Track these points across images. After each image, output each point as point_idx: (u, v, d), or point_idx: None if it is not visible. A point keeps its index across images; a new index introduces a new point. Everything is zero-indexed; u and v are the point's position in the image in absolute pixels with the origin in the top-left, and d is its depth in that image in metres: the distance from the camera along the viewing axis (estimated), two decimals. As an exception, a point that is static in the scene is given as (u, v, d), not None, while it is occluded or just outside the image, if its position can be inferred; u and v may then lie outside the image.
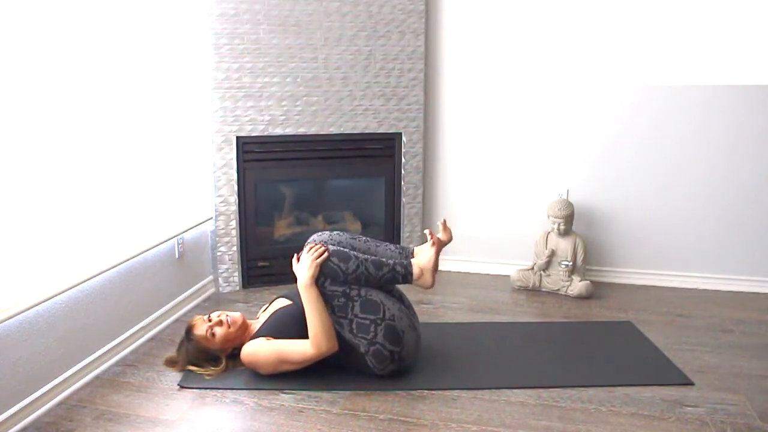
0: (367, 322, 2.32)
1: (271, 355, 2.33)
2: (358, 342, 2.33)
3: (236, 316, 2.47)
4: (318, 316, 2.28)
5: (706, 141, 3.35)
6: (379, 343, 2.32)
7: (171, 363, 2.49)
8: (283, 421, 2.13)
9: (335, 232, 2.53)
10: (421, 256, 2.45)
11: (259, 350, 2.34)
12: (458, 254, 3.76)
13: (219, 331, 2.42)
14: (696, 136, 3.36)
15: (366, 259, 2.36)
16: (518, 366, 2.52)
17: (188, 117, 3.18)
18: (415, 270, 2.41)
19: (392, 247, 2.54)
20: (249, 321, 2.55)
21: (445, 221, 2.60)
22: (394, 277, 2.39)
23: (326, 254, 2.31)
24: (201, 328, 2.43)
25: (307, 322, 2.30)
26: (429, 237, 2.45)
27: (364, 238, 2.55)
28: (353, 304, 2.33)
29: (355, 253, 2.38)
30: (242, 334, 2.47)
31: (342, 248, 2.38)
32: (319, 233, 2.53)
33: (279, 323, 2.40)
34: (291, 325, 2.38)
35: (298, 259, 2.37)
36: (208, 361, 2.43)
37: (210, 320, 2.44)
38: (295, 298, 2.53)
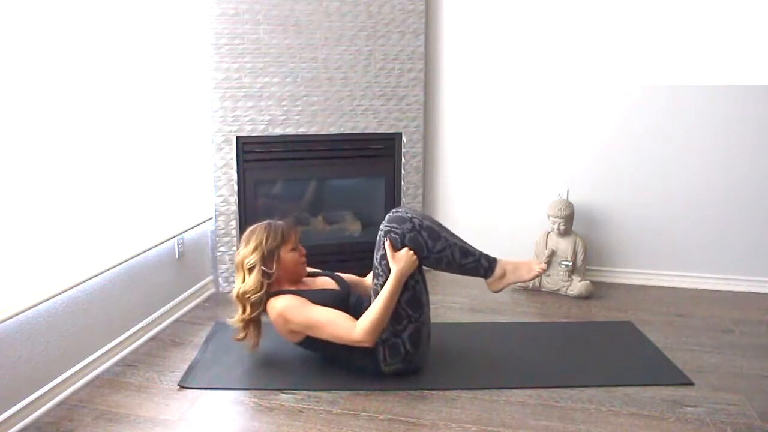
0: (404, 314, 2.30)
1: (313, 319, 2.28)
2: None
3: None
4: (388, 309, 2.25)
5: (706, 141, 3.35)
6: (402, 338, 2.31)
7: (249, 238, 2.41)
8: (283, 421, 2.13)
9: (424, 213, 2.47)
10: (519, 267, 2.42)
11: (304, 307, 2.30)
12: (458, 254, 3.75)
13: (297, 254, 2.42)
14: (696, 136, 3.36)
15: (455, 244, 2.35)
16: (518, 366, 2.52)
17: (188, 117, 3.18)
18: (499, 271, 2.39)
19: (478, 249, 2.45)
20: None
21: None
22: (476, 268, 2.38)
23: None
24: (297, 236, 2.45)
25: (373, 308, 2.25)
26: (545, 259, 2.42)
27: (449, 230, 2.45)
28: (403, 292, 2.29)
29: (445, 234, 2.36)
30: (292, 278, 2.44)
31: (434, 227, 2.36)
32: (409, 208, 2.43)
33: (325, 303, 2.34)
34: (336, 308, 2.34)
35: (391, 246, 2.29)
36: (267, 255, 2.36)
37: (300, 247, 2.46)
38: (342, 284, 2.52)
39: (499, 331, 2.88)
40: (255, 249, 2.36)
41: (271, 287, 2.39)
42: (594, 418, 2.14)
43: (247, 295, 2.35)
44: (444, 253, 2.33)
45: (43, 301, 2.16)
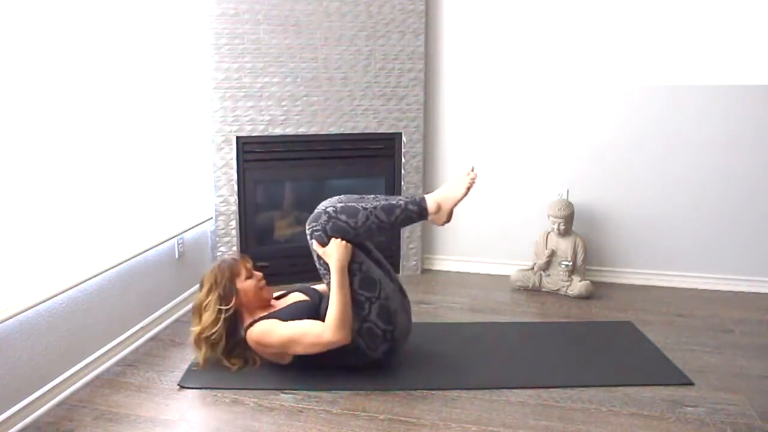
0: (362, 298, 2.31)
1: (285, 337, 2.30)
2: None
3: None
4: (344, 302, 2.26)
5: (706, 141, 3.35)
6: (372, 321, 2.32)
7: (204, 283, 2.44)
8: (283, 421, 2.13)
9: (342, 195, 2.46)
10: (447, 189, 2.38)
11: (274, 329, 2.32)
12: (458, 254, 3.75)
13: (254, 281, 2.43)
14: (696, 136, 3.36)
15: (375, 207, 2.33)
16: (518, 366, 2.52)
17: (188, 117, 3.18)
18: (432, 205, 2.36)
19: (402, 198, 2.43)
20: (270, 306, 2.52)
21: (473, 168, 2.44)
22: (409, 216, 2.35)
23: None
24: (248, 264, 2.47)
25: (331, 306, 2.27)
26: (471, 170, 2.38)
27: (372, 196, 2.45)
28: (352, 278, 2.30)
29: (363, 204, 2.34)
30: (259, 304, 2.45)
31: (351, 204, 2.35)
32: (329, 199, 2.45)
33: (297, 316, 2.36)
34: (309, 318, 2.35)
35: (320, 245, 2.32)
36: (224, 292, 2.37)
37: (255, 273, 2.47)
38: (312, 294, 2.52)
39: (499, 331, 2.88)
40: (210, 290, 2.39)
41: (244, 320, 2.43)
42: (594, 418, 2.14)
43: (204, 334, 2.36)
44: (369, 222, 2.31)
45: (43, 301, 2.16)
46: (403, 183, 3.60)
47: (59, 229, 2.30)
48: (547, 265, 3.38)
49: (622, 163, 3.46)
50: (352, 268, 2.30)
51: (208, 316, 2.36)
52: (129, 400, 2.26)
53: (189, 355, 2.61)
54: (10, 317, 2.01)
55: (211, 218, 3.34)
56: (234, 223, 3.36)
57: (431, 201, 2.37)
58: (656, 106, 3.37)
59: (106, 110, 2.55)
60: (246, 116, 3.28)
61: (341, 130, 3.44)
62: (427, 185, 3.72)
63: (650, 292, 3.42)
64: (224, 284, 2.39)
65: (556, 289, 3.36)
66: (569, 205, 3.36)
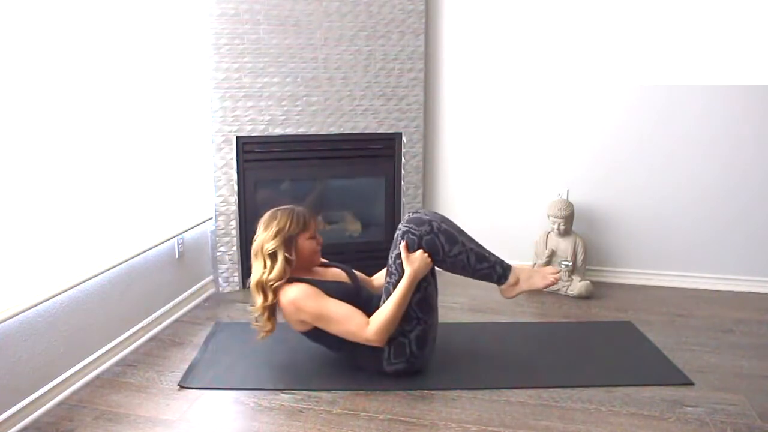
0: (413, 315, 2.31)
1: (327, 312, 2.26)
2: None
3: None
4: (400, 310, 2.26)
5: (705, 141, 3.35)
6: (408, 338, 2.32)
7: (269, 222, 2.35)
8: (283, 421, 2.13)
9: (443, 215, 2.46)
10: (531, 274, 2.44)
11: (318, 297, 2.27)
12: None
13: (314, 242, 2.39)
14: (696, 135, 3.36)
15: (471, 249, 2.36)
16: (518, 366, 2.52)
17: (188, 117, 3.18)
18: (512, 278, 2.40)
19: (494, 254, 2.44)
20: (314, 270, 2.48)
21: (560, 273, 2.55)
22: (490, 274, 2.39)
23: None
24: (316, 225, 2.43)
25: (386, 307, 2.26)
26: (558, 272, 2.47)
27: (468, 235, 2.45)
28: (414, 293, 2.30)
29: (462, 239, 2.37)
30: (305, 266, 2.40)
31: (452, 231, 2.36)
32: (430, 211, 2.41)
33: (338, 296, 2.32)
34: (347, 302, 2.33)
35: (407, 248, 2.29)
36: (288, 241, 2.31)
37: (318, 236, 2.44)
38: (354, 278, 2.50)
39: (499, 331, 2.88)
40: (276, 234, 2.31)
41: None
42: (594, 418, 2.14)
43: (271, 283, 2.29)
44: (459, 257, 2.34)
45: (43, 301, 2.16)
46: (403, 183, 3.60)
47: (59, 229, 2.30)
48: (547, 265, 3.38)
49: (623, 163, 3.46)
50: (419, 285, 2.30)
51: (279, 268, 2.28)
52: (129, 400, 2.26)
53: (189, 355, 2.61)
54: (10, 317, 2.01)
55: (211, 218, 3.34)
56: (234, 223, 3.36)
57: (514, 274, 2.40)
58: (656, 106, 3.37)
59: (106, 110, 2.55)
60: (246, 116, 3.28)
61: (341, 130, 3.44)
62: (427, 185, 3.72)
63: (650, 292, 3.42)
64: (291, 233, 2.32)
65: (556, 289, 3.36)
66: (569, 205, 3.36)
